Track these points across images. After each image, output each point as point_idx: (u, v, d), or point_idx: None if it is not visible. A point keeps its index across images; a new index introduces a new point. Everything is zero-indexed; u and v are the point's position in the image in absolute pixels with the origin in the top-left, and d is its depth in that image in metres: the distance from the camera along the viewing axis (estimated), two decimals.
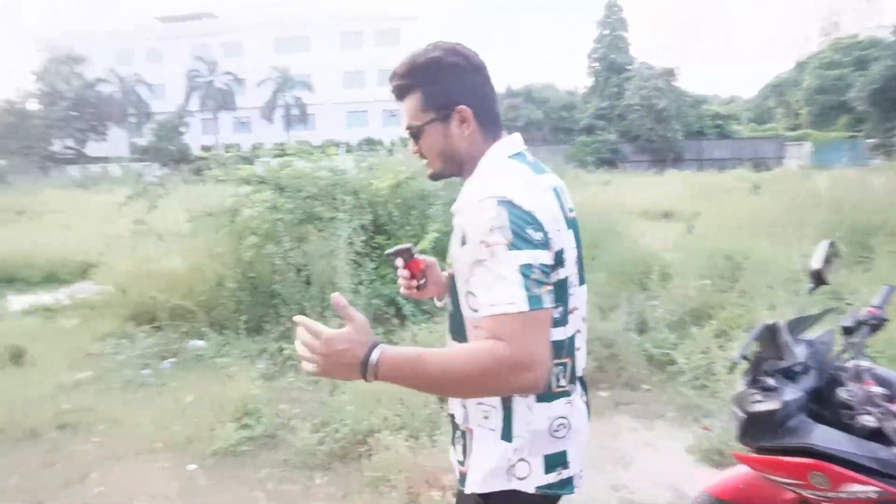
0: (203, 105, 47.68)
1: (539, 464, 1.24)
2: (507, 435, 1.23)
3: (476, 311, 1.12)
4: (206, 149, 45.61)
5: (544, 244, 1.11)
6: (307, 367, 1.09)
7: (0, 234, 10.61)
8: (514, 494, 1.23)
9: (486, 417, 1.24)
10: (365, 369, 1.06)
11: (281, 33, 52.79)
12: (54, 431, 3.58)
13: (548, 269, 1.11)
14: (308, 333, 1.09)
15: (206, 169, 7.64)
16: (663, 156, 34.80)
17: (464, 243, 1.14)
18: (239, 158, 6.61)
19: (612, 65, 40.74)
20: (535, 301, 1.06)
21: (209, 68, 46.97)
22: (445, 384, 1.10)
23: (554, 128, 40.54)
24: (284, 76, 47.16)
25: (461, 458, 1.31)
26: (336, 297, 1.10)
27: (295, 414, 3.52)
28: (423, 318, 4.74)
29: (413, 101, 1.28)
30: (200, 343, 4.98)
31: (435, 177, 1.37)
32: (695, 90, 37.93)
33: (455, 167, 1.31)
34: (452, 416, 1.34)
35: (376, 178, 5.41)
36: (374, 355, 1.06)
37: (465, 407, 1.27)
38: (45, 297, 7.44)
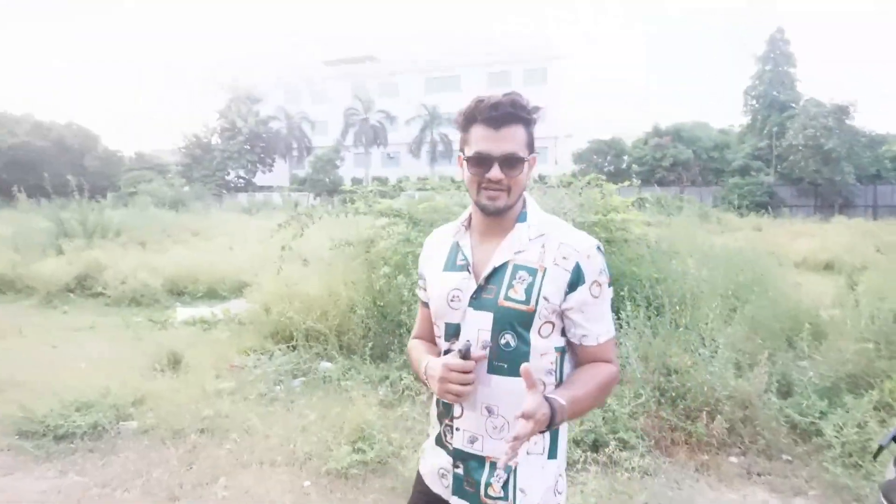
0: (357, 140, 51.08)
1: (565, 479, 1.46)
2: (553, 453, 1.40)
3: (597, 339, 1.39)
4: (356, 181, 48.67)
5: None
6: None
7: (176, 252, 11.98)
8: None
9: (535, 443, 1.37)
10: (558, 420, 1.25)
11: (433, 73, 55.45)
12: (195, 434, 3.93)
13: None
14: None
15: (350, 201, 8.19)
16: (830, 200, 31.58)
17: (580, 283, 1.36)
18: (379, 192, 6.99)
19: (773, 102, 37.98)
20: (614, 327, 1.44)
21: (365, 107, 50.35)
22: (593, 405, 1.41)
23: (704, 168, 38.42)
24: (433, 114, 49.30)
25: (500, 495, 1.37)
26: (525, 367, 1.23)
27: (406, 444, 3.57)
28: None
29: (519, 133, 1.38)
30: (329, 365, 5.25)
31: (500, 210, 1.40)
32: (872, 129, 34.06)
33: (516, 205, 1.43)
34: (486, 460, 1.39)
35: None
36: (558, 411, 1.25)
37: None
38: (204, 310, 8.27)
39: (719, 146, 39.06)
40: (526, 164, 1.39)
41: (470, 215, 1.51)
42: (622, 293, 5.08)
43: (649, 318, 4.58)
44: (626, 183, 6.94)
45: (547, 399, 1.23)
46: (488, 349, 1.37)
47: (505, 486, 1.36)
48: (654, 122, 40.47)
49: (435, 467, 1.49)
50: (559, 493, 1.41)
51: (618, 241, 5.42)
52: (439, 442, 1.48)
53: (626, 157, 39.90)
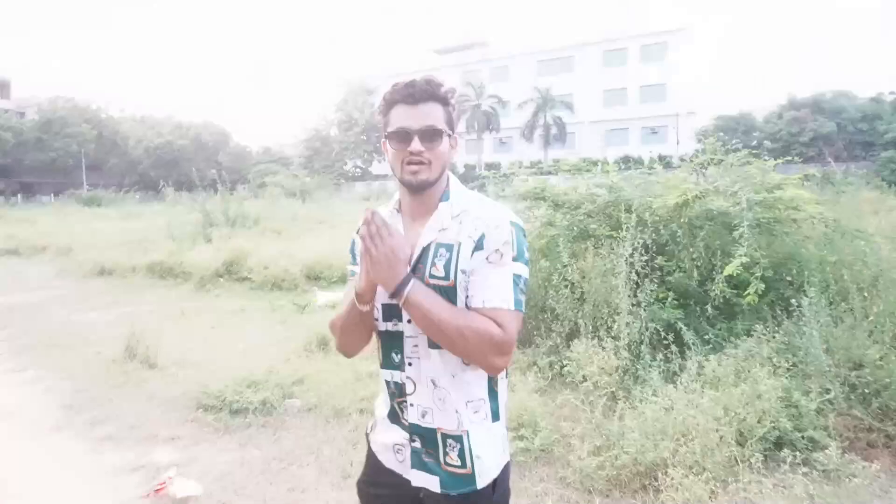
0: (469, 127, 51.23)
1: (507, 434, 1.54)
2: (496, 416, 1.47)
3: (483, 302, 1.36)
4: (468, 168, 48.83)
5: (528, 263, 1.44)
6: (370, 248, 1.32)
7: (307, 240, 12.57)
8: (506, 467, 1.50)
9: (476, 412, 1.44)
10: (405, 282, 1.33)
11: (545, 56, 54.37)
12: (356, 414, 4.03)
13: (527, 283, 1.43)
14: (383, 227, 1.33)
15: (477, 187, 8.14)
16: None
17: (479, 249, 1.39)
18: (506, 177, 6.87)
19: None
20: (519, 304, 1.38)
21: (477, 92, 50.32)
22: (446, 328, 1.32)
23: (849, 142, 34.88)
24: (545, 97, 48.40)
25: (457, 464, 1.42)
26: (370, 211, 1.34)
27: (575, 432, 3.44)
28: (707, 348, 4.32)
29: (437, 110, 1.43)
30: None
31: (422, 184, 1.43)
32: None
33: (438, 181, 1.46)
34: (437, 432, 1.43)
35: (657, 195, 5.12)
36: (411, 279, 1.35)
37: (457, 412, 1.42)
38: (340, 294, 8.58)
39: (868, 117, 35.27)
40: (446, 139, 1.45)
41: (399, 199, 1.54)
42: (789, 277, 4.63)
43: (830, 303, 4.13)
44: (780, 160, 6.33)
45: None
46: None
47: (461, 455, 1.42)
48: (790, 93, 37.27)
49: (389, 443, 1.53)
50: (505, 451, 1.51)
51: (785, 221, 4.93)
52: (393, 418, 1.52)
53: (756, 134, 37.08)
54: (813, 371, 3.69)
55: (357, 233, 1.45)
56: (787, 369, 3.65)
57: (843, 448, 3.28)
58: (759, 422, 3.24)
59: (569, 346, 4.88)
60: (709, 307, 4.60)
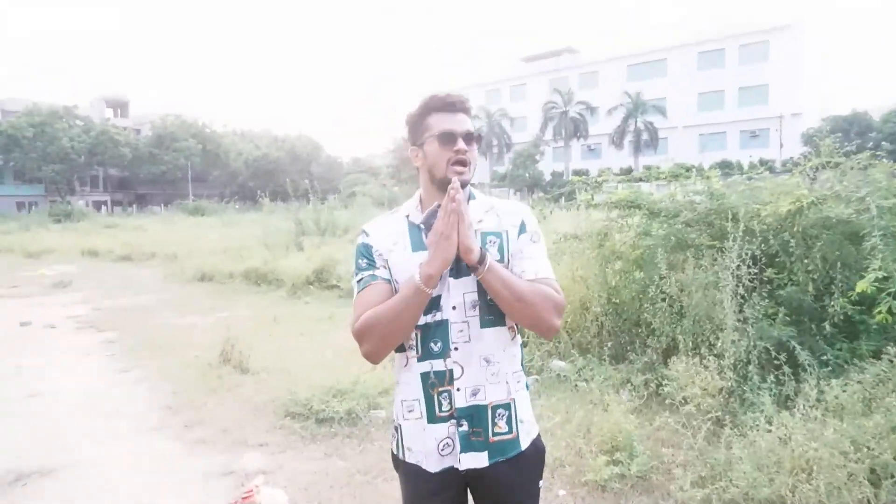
0: (556, 134, 50.55)
1: None
2: (527, 385, 1.67)
3: (536, 273, 1.55)
4: (556, 175, 48.14)
5: None
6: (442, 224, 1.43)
7: None
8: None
9: (518, 381, 1.62)
10: (483, 255, 1.47)
11: (636, 60, 52.79)
12: None
13: None
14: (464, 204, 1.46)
15: (564, 195, 7.88)
16: None
17: (523, 232, 1.61)
18: (597, 184, 6.57)
19: None
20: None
21: (564, 99, 49.61)
22: (524, 292, 1.49)
23: None
24: (636, 102, 46.96)
25: (505, 430, 1.57)
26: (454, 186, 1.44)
27: (671, 458, 3.17)
28: (825, 370, 3.89)
29: (468, 120, 1.60)
30: (562, 364, 5.00)
31: (464, 184, 1.55)
32: None
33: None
34: (489, 406, 1.55)
35: (766, 202, 4.72)
36: (487, 256, 1.48)
37: (507, 383, 1.58)
38: None
39: None
40: (475, 146, 1.59)
41: (420, 201, 1.64)
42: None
43: None
44: None
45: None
46: (478, 306, 1.54)
47: (509, 421, 1.57)
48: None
49: (433, 446, 1.56)
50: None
51: None
52: (432, 418, 1.56)
53: (873, 134, 34.24)
54: None
55: (421, 221, 1.59)
56: None
57: None
58: (895, 458, 2.85)
59: (666, 364, 4.57)
60: (826, 325, 4.16)
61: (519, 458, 1.58)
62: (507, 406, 1.57)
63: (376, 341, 1.51)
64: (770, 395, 3.71)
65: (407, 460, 1.60)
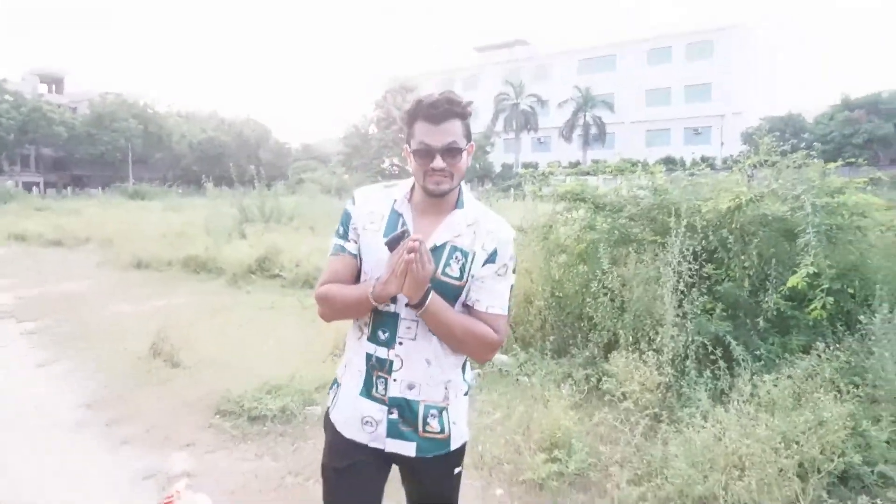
0: (507, 126, 50.81)
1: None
2: (466, 392, 1.72)
3: (487, 308, 1.61)
4: (506, 167, 48.44)
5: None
6: (415, 271, 1.45)
7: None
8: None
9: (456, 387, 1.66)
10: (427, 295, 1.50)
11: (587, 54, 53.50)
12: None
13: None
14: (426, 254, 1.46)
15: (513, 186, 7.86)
16: None
17: (490, 262, 1.62)
18: (544, 176, 6.56)
19: None
20: (509, 310, 1.67)
21: (516, 91, 49.87)
22: (455, 331, 1.56)
23: None
24: (585, 96, 47.61)
25: (437, 430, 1.63)
26: (418, 241, 1.44)
27: (614, 457, 3.16)
28: (758, 364, 3.97)
29: (456, 126, 1.56)
30: (505, 358, 4.96)
31: (443, 193, 1.58)
32: None
33: (456, 188, 1.62)
34: (421, 403, 1.61)
35: (706, 199, 4.78)
36: (431, 292, 1.51)
37: (445, 388, 1.63)
38: None
39: None
40: (464, 154, 1.58)
41: (412, 189, 1.66)
42: (851, 290, 4.26)
43: None
44: (836, 164, 5.86)
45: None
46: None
47: (441, 422, 1.63)
48: (843, 93, 35.77)
49: (357, 417, 1.63)
50: (466, 420, 1.74)
51: (848, 229, 4.53)
52: (366, 393, 1.62)
53: (806, 135, 35.71)
54: (883, 396, 3.33)
55: (385, 242, 1.54)
56: (851, 393, 3.30)
57: None
58: (822, 453, 2.90)
59: (606, 358, 4.59)
60: (760, 320, 4.25)
61: (445, 457, 1.65)
62: (440, 409, 1.63)
63: (328, 312, 1.66)
64: (706, 390, 3.75)
65: (331, 417, 1.71)
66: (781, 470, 2.64)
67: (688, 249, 4.24)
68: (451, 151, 1.54)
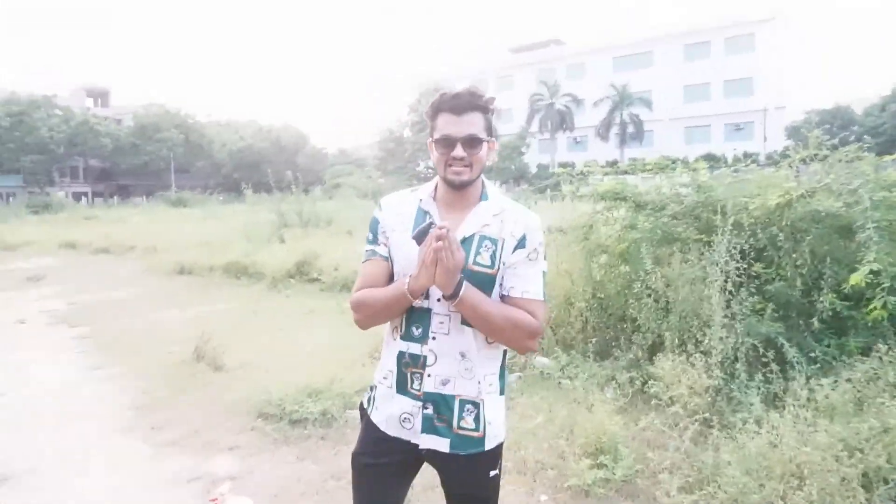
0: (542, 126, 50.43)
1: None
2: (501, 391, 1.69)
3: (522, 293, 1.59)
4: (541, 168, 48.04)
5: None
6: (445, 260, 1.45)
7: None
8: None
9: (490, 385, 1.64)
10: (460, 285, 1.50)
11: (622, 52, 52.73)
12: None
13: None
14: (454, 243, 1.46)
15: (550, 187, 7.76)
16: None
17: (521, 248, 1.62)
18: (582, 176, 6.45)
19: None
20: (545, 296, 1.65)
21: (551, 91, 49.47)
22: (493, 320, 1.54)
23: None
24: (622, 94, 46.91)
25: (472, 427, 1.61)
26: (445, 229, 1.45)
27: (656, 462, 3.06)
28: (814, 367, 3.80)
29: (478, 119, 1.59)
30: (546, 361, 4.88)
31: (464, 184, 1.61)
32: None
33: (476, 182, 1.65)
34: (456, 399, 1.60)
35: (753, 195, 4.61)
36: (464, 282, 1.51)
37: (479, 383, 1.61)
38: None
39: None
40: (485, 145, 1.61)
41: (436, 187, 1.69)
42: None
43: None
44: (893, 156, 5.58)
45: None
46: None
47: (476, 419, 1.61)
48: (895, 82, 34.38)
49: (395, 414, 1.64)
50: (505, 423, 1.72)
51: None
52: (401, 388, 1.64)
53: (855, 128, 34.46)
54: None
55: (413, 235, 1.55)
56: None
57: None
58: (888, 462, 2.74)
59: (650, 361, 4.47)
60: (815, 321, 4.07)
61: (479, 456, 1.63)
62: (475, 404, 1.61)
63: (365, 317, 1.67)
64: (758, 394, 3.61)
65: (371, 416, 1.72)
66: (844, 479, 2.50)
67: (735, 248, 4.09)
68: (472, 141, 1.57)
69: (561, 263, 5.45)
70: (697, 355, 3.90)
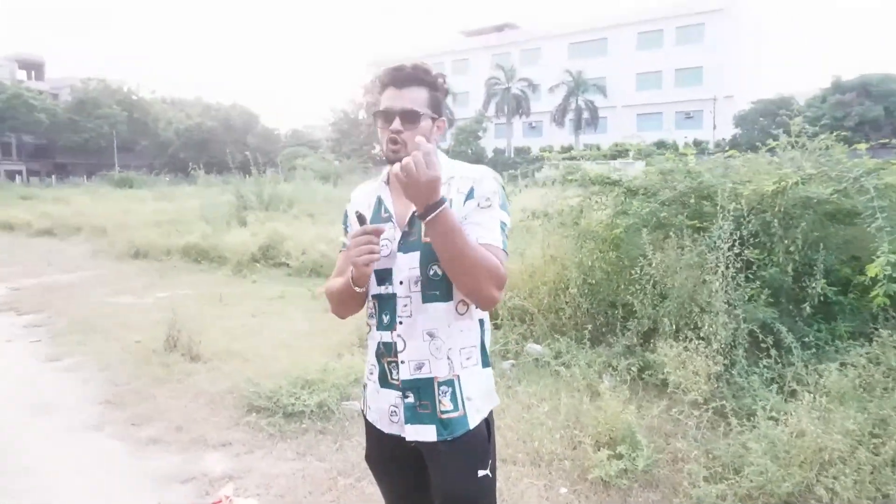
0: (499, 110, 50.46)
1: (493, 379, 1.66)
2: (485, 363, 1.61)
3: (476, 239, 1.44)
4: (498, 152, 48.13)
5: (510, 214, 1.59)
6: (407, 161, 1.31)
7: None
8: (492, 411, 1.63)
9: (468, 358, 1.56)
10: (440, 203, 1.34)
11: (578, 38, 53.11)
12: None
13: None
14: (432, 154, 1.33)
15: (531, 171, 7.68)
16: None
17: (469, 199, 1.51)
18: (572, 161, 6.38)
19: None
20: (505, 246, 1.51)
21: (507, 76, 49.47)
22: (467, 253, 1.38)
23: None
24: (577, 80, 47.33)
25: (450, 408, 1.52)
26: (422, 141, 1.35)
27: (683, 453, 3.01)
28: (808, 353, 3.84)
29: (421, 94, 1.52)
30: (538, 348, 4.81)
31: (400, 161, 1.41)
32: None
33: None
34: (434, 381, 1.52)
35: (742, 181, 4.63)
36: (445, 203, 1.36)
37: (450, 359, 1.52)
38: None
39: None
40: (427, 121, 1.52)
41: (389, 172, 1.60)
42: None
43: None
44: (867, 144, 5.71)
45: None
46: (420, 282, 1.49)
47: (453, 398, 1.52)
48: (835, 76, 35.79)
49: (385, 409, 1.58)
50: (493, 394, 1.63)
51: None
52: (384, 383, 1.58)
53: (798, 118, 35.78)
54: None
55: (347, 238, 1.51)
56: None
57: None
58: (883, 442, 2.77)
59: (644, 347, 4.46)
60: (807, 306, 4.12)
61: (467, 437, 1.53)
62: (449, 383, 1.53)
63: (333, 307, 1.66)
64: (761, 380, 3.63)
65: (367, 417, 1.67)
66: (875, 466, 2.50)
67: (731, 234, 4.09)
68: (410, 115, 1.48)
69: (548, 248, 5.37)
70: (696, 342, 3.88)
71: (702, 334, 3.96)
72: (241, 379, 4.20)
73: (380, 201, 1.62)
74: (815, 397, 2.92)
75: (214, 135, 55.89)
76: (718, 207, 4.18)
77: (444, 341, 1.52)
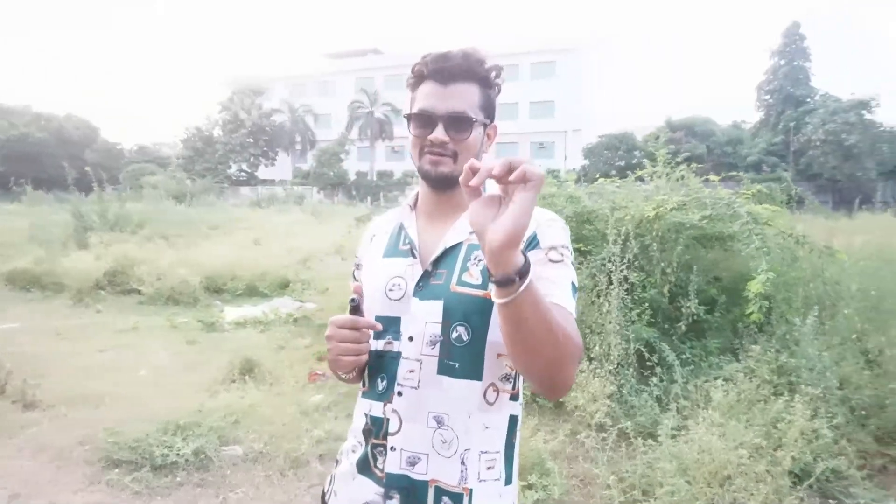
0: (362, 134, 50.32)
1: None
2: (509, 478, 1.16)
3: (548, 295, 1.00)
4: (361, 175, 47.79)
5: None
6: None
7: (203, 248, 11.36)
8: None
9: (490, 468, 1.12)
10: (525, 266, 0.87)
11: None
12: (315, 462, 3.33)
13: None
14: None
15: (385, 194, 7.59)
16: (848, 197, 31.24)
17: (533, 248, 1.11)
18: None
19: (788, 97, 37.52)
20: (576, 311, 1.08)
21: (371, 99, 49.59)
22: (551, 331, 0.92)
23: (717, 164, 37.99)
24: None
25: None
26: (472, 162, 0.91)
27: (586, 475, 2.98)
28: (687, 369, 4.06)
29: (471, 92, 1.17)
30: None
31: (442, 178, 1.16)
32: (893, 124, 33.53)
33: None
34: (430, 485, 1.10)
35: (620, 206, 4.87)
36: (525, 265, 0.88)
37: (464, 464, 1.10)
38: (251, 310, 7.69)
39: (732, 141, 38.62)
40: (479, 128, 1.17)
41: (417, 194, 1.29)
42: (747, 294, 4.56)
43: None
44: (719, 177, 6.30)
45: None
46: (438, 344, 1.11)
47: None
48: (667, 115, 39.99)
49: (357, 500, 1.16)
50: None
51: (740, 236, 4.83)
52: (363, 468, 1.17)
53: (637, 152, 39.39)
54: (817, 394, 3.50)
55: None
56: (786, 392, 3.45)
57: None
58: (775, 451, 2.95)
59: None
60: (682, 325, 4.38)
61: None
62: (456, 498, 1.10)
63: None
64: (651, 398, 3.75)
65: (330, 502, 1.24)
66: (773, 477, 2.62)
67: (621, 257, 4.24)
68: (458, 121, 1.14)
69: None
70: (588, 362, 3.95)
71: (592, 355, 4.05)
72: (96, 428, 3.60)
73: (401, 228, 1.25)
74: (708, 411, 3.04)
75: (45, 147, 50.10)
76: (607, 231, 4.33)
77: (459, 437, 1.11)
